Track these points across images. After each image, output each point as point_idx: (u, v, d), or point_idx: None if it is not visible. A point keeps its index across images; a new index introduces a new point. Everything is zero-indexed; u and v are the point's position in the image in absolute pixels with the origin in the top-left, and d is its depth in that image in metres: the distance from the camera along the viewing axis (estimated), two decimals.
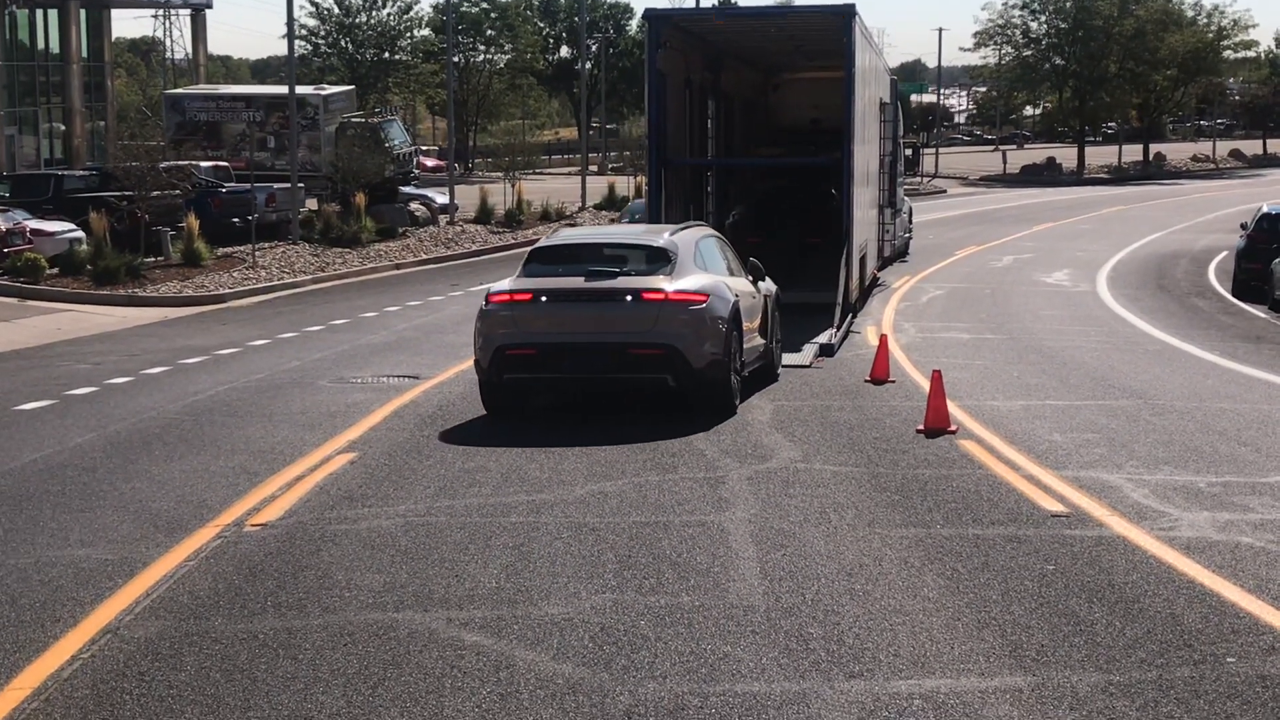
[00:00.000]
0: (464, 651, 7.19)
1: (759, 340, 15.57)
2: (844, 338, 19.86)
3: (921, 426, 13.12)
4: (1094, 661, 6.95)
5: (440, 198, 47.81)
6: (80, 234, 31.82)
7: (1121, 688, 6.59)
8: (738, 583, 8.35)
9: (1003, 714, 6.31)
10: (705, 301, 13.83)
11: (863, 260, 23.58)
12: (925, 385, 14.64)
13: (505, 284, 14.36)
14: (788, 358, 17.83)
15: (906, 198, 38.73)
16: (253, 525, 9.98)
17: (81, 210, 32.75)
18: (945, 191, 74.63)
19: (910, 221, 38.90)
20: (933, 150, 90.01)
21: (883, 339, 17.16)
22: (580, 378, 14.07)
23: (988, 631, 7.42)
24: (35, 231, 31.54)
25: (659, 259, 14.32)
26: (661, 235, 14.90)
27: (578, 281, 13.96)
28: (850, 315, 21.25)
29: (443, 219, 45.68)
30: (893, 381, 16.16)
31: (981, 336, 21.06)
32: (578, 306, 13.88)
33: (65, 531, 10.01)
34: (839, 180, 21.68)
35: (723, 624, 7.57)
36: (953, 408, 13.72)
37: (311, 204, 43.52)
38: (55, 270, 30.46)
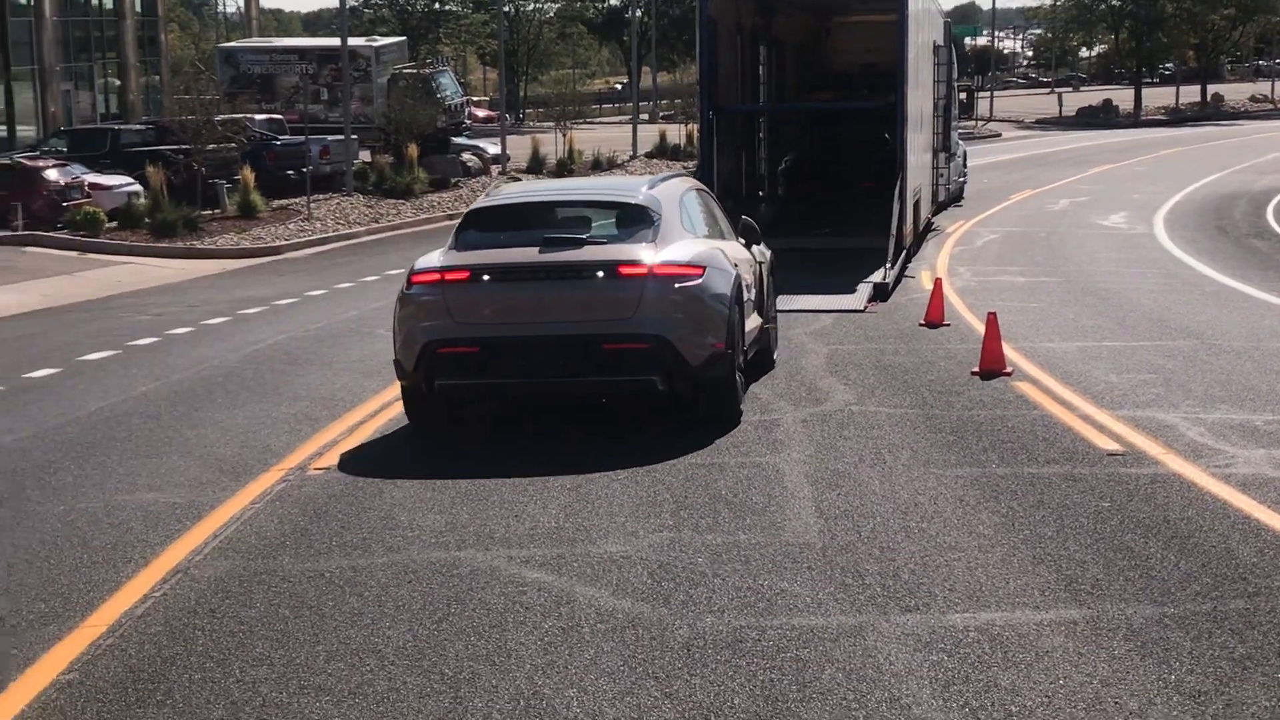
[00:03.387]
0: (525, 588, 7.33)
1: (757, 320, 12.56)
2: (898, 280, 19.82)
3: (976, 369, 13.13)
4: (1148, 594, 7.01)
5: (492, 148, 47.85)
6: (138, 187, 32.13)
7: (1176, 619, 6.65)
8: (793, 521, 8.44)
9: (1057, 645, 6.39)
10: (701, 276, 10.79)
11: (916, 204, 23.47)
12: (980, 328, 14.63)
13: (434, 258, 11.16)
14: (841, 300, 17.80)
15: (961, 142, 38.44)
16: (316, 469, 10.16)
17: (138, 164, 33.04)
18: (1000, 135, 73.98)
19: (965, 166, 38.60)
20: (987, 94, 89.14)
21: (937, 283, 17.11)
22: (537, 383, 10.80)
23: (1042, 567, 7.49)
24: (94, 185, 31.87)
25: (637, 220, 11.26)
26: (638, 190, 11.72)
27: (530, 253, 10.84)
28: (904, 256, 21.17)
29: (495, 169, 45.76)
30: (947, 325, 16.15)
31: (1037, 279, 20.98)
32: (532, 287, 10.72)
33: (133, 477, 10.22)
34: (893, 125, 21.59)
35: (779, 561, 7.67)
36: (1008, 350, 13.71)
37: (365, 156, 43.71)
38: (114, 224, 30.78)
